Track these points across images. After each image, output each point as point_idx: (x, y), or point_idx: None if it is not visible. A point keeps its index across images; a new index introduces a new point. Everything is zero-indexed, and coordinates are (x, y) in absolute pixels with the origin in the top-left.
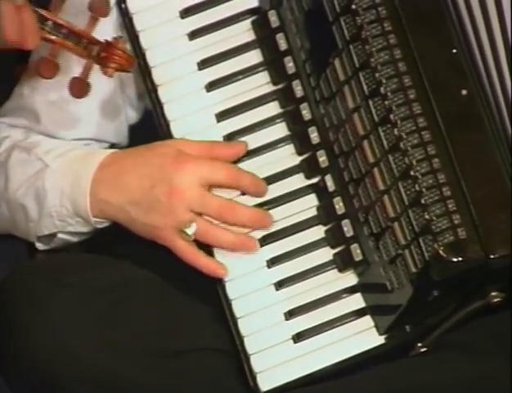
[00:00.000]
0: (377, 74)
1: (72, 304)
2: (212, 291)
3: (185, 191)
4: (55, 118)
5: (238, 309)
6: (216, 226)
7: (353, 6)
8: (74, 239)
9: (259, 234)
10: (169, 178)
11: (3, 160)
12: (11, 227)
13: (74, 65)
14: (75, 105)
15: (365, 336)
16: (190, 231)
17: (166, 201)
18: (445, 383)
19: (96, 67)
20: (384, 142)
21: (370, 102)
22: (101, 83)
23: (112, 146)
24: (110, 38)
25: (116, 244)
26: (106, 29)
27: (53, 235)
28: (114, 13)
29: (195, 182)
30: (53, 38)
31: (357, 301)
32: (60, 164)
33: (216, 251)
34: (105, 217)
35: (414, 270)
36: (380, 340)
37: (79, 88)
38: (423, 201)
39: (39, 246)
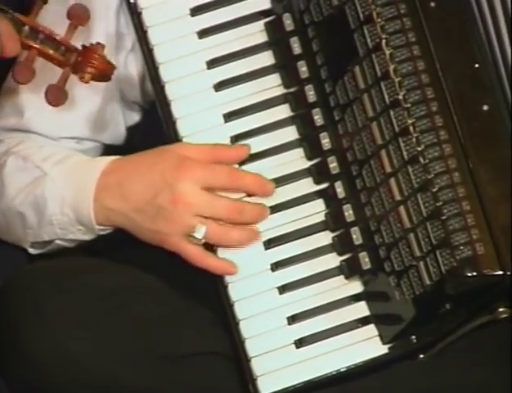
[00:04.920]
0: (399, 85)
1: (72, 309)
2: (212, 294)
3: (189, 198)
4: (48, 116)
5: (240, 311)
6: (225, 226)
7: (377, 16)
8: (71, 245)
9: (266, 236)
10: (172, 185)
11: None
12: (3, 232)
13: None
14: (71, 104)
15: (368, 345)
16: (199, 235)
17: (171, 208)
18: (446, 389)
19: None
20: (404, 153)
21: (391, 112)
22: (97, 86)
23: (107, 145)
24: (88, 44)
25: (116, 249)
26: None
27: (50, 241)
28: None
29: (197, 187)
30: (30, 43)
31: (361, 309)
32: (59, 172)
33: (220, 252)
34: (109, 224)
35: (428, 282)
36: (383, 349)
37: (56, 95)
38: (442, 215)
39: (32, 251)
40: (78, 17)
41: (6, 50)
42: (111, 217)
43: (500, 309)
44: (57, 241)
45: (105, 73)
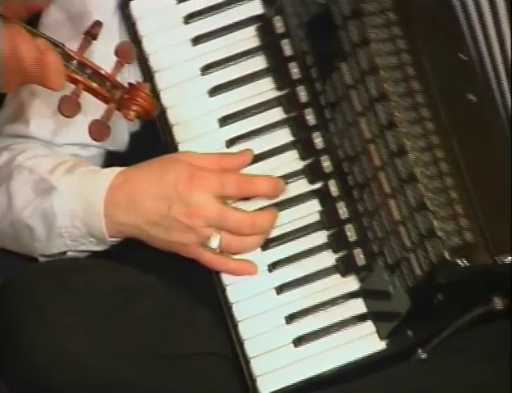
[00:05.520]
0: (384, 79)
1: (73, 308)
2: (212, 295)
3: (202, 210)
4: (53, 123)
5: (238, 312)
6: (236, 235)
7: (362, 11)
8: (82, 255)
9: None
10: (185, 197)
11: (3, 176)
12: (12, 243)
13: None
14: None
15: (366, 341)
16: (213, 245)
17: (185, 221)
18: (445, 389)
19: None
20: (391, 146)
21: (378, 106)
22: None
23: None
24: (134, 82)
25: (117, 249)
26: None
27: (61, 253)
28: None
29: (210, 199)
30: (78, 77)
31: (358, 306)
32: (66, 185)
33: None
34: (122, 236)
35: (420, 274)
36: (381, 345)
37: (99, 130)
38: (430, 205)
39: (42, 259)
40: (125, 55)
41: (50, 83)
42: (124, 230)
43: (496, 300)
44: (70, 254)
45: (149, 111)
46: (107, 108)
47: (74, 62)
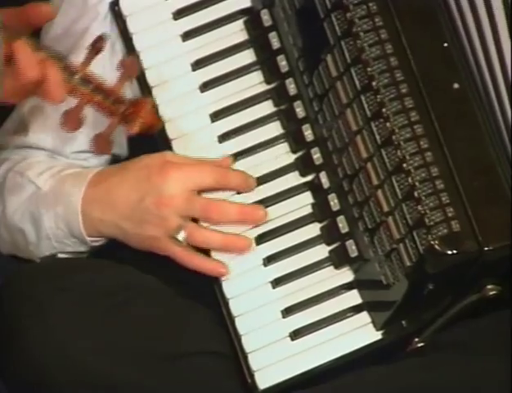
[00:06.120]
0: (369, 69)
1: (71, 307)
2: (211, 294)
3: (173, 199)
4: (55, 132)
5: (235, 307)
6: (204, 228)
7: (344, 2)
8: (74, 257)
9: (256, 232)
10: (156, 188)
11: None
12: (13, 249)
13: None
14: None
15: (362, 332)
16: (180, 236)
17: (156, 211)
18: (444, 383)
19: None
20: (377, 137)
21: (363, 97)
22: None
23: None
24: (138, 97)
25: (117, 248)
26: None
27: (54, 255)
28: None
29: (182, 188)
30: (81, 91)
31: (353, 298)
32: (51, 187)
33: (212, 252)
34: (100, 235)
35: (408, 264)
36: (377, 335)
37: (102, 144)
38: (416, 195)
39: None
40: (130, 69)
41: (51, 97)
42: (100, 228)
43: (488, 287)
44: (60, 255)
45: (152, 126)
46: (110, 122)
47: (78, 76)
